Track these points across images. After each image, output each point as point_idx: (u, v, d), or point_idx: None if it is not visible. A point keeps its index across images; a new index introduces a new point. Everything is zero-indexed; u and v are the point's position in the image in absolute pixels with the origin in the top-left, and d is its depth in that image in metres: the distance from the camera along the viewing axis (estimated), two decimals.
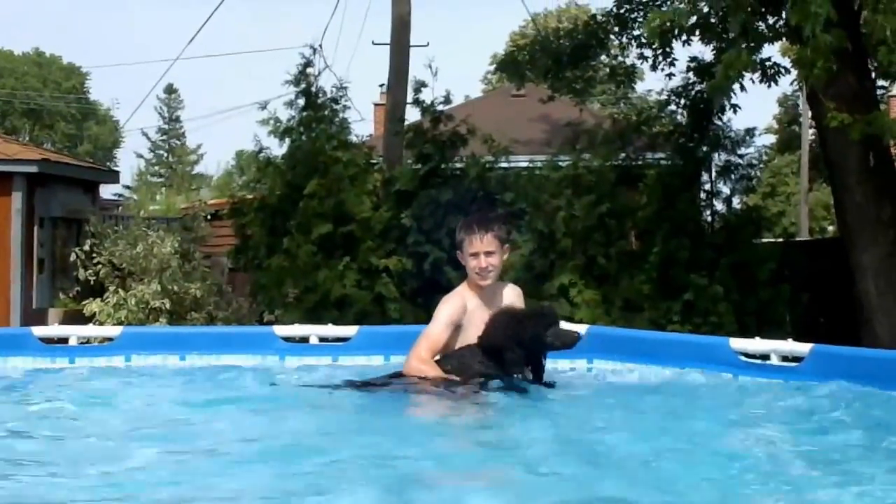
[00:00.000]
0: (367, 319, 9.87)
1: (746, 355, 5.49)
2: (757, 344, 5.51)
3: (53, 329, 6.50)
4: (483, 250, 5.40)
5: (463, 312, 5.37)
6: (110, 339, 6.37)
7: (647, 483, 3.46)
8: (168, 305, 11.18)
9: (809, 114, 33.60)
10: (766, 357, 5.46)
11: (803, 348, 5.20)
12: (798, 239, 18.51)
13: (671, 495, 3.32)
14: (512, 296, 5.67)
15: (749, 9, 9.26)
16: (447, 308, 5.47)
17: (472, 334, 5.27)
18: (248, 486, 3.41)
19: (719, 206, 11.59)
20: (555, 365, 6.00)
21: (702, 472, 3.67)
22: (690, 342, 5.98)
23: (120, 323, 10.77)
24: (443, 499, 3.27)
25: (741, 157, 11.58)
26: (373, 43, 21.16)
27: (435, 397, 5.11)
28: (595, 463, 3.76)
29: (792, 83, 11.76)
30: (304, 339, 6.42)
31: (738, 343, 5.54)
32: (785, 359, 5.34)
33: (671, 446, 4.06)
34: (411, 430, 4.58)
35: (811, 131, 35.29)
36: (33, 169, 12.48)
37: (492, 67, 41.33)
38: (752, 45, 9.85)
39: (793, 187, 39.10)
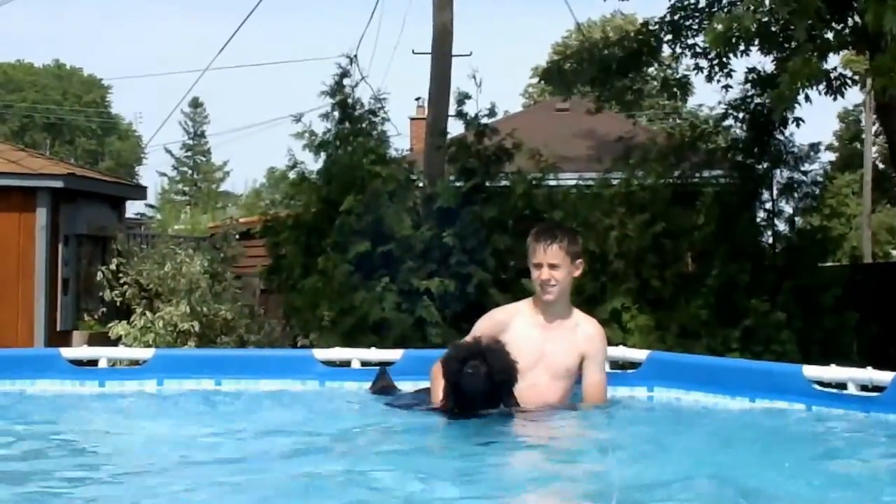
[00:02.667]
0: (406, 344, 9.72)
1: (821, 384, 5.39)
2: (833, 372, 5.40)
3: (82, 350, 6.51)
4: (547, 262, 5.32)
5: (497, 328, 5.29)
6: (141, 362, 6.37)
7: None
8: (197, 328, 11.16)
9: (873, 129, 33.36)
10: (842, 386, 5.35)
11: (885, 377, 5.07)
12: (866, 262, 18.19)
13: None
14: (583, 332, 5.48)
15: (816, 14, 9.12)
16: (479, 323, 5.50)
17: (515, 352, 5.09)
18: None
19: (781, 226, 11.40)
20: (613, 392, 5.94)
21: None
22: (760, 370, 5.86)
23: (148, 347, 10.75)
24: None
25: (805, 173, 11.40)
26: (413, 52, 21.21)
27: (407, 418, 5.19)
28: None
29: (867, 91, 11.59)
30: (346, 364, 6.39)
31: (811, 371, 5.43)
32: (864, 388, 5.23)
33: (740, 484, 3.95)
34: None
35: (874, 148, 34.99)
36: (59, 184, 12.52)
37: (533, 81, 41.37)
38: (819, 52, 9.71)
39: (853, 208, 38.73)
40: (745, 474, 4.16)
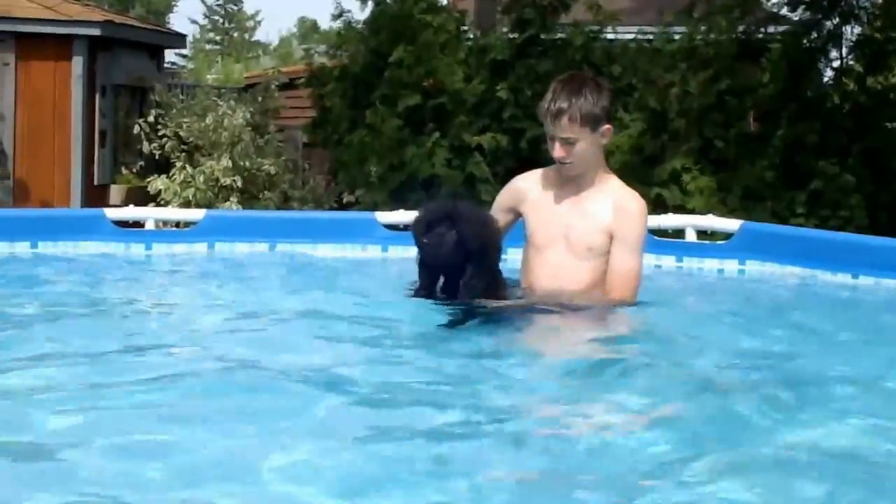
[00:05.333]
0: None
1: None
2: None
3: (128, 211, 6.06)
4: (559, 136, 4.14)
5: (516, 198, 4.37)
6: (191, 224, 5.94)
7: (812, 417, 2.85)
8: (239, 183, 10.65)
9: None
10: None
11: None
12: None
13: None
14: (615, 204, 4.24)
15: None
16: (499, 194, 4.57)
17: (534, 227, 4.28)
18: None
19: (850, 85, 10.73)
20: (700, 265, 5.46)
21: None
22: (864, 244, 5.36)
23: (188, 202, 10.30)
24: None
25: (878, 30, 10.69)
26: None
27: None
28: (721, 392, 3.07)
29: None
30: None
31: None
32: None
33: (846, 371, 3.47)
34: None
35: None
36: (96, 31, 11.90)
37: None
38: None
39: None
40: (851, 359, 3.71)
